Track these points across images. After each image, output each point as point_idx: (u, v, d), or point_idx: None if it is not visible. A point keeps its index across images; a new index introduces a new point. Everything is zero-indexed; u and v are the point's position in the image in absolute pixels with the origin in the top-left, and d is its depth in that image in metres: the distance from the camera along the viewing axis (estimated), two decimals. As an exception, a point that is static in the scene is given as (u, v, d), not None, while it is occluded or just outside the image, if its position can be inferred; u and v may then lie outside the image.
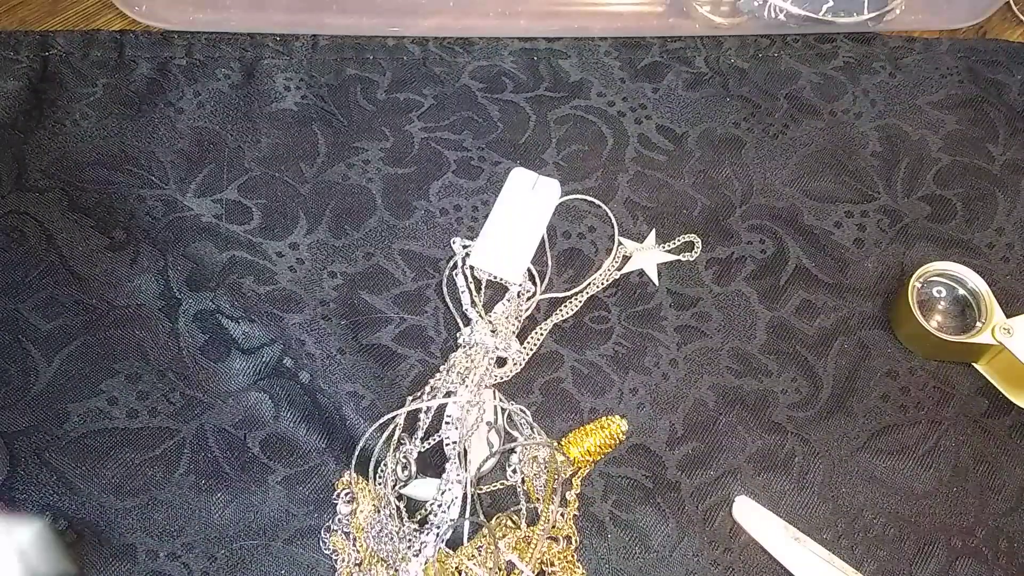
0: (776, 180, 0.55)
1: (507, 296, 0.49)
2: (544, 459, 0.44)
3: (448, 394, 0.45)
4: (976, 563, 0.43)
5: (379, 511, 0.42)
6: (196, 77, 0.56)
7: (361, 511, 0.42)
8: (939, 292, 0.50)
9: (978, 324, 0.48)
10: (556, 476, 0.43)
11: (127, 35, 0.58)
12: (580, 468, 0.44)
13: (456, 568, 0.41)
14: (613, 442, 0.45)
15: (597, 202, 0.53)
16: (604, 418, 0.45)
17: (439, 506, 0.42)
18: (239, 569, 0.42)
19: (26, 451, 0.43)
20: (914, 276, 0.49)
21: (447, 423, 0.44)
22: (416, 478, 0.43)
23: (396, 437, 0.44)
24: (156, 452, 0.44)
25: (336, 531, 0.43)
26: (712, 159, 0.55)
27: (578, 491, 0.44)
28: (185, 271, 0.49)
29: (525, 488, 0.44)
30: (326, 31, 0.59)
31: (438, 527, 0.41)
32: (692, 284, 0.51)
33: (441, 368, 0.47)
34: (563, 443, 0.45)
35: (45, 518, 0.42)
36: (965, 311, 0.49)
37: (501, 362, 0.48)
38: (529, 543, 0.41)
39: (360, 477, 0.43)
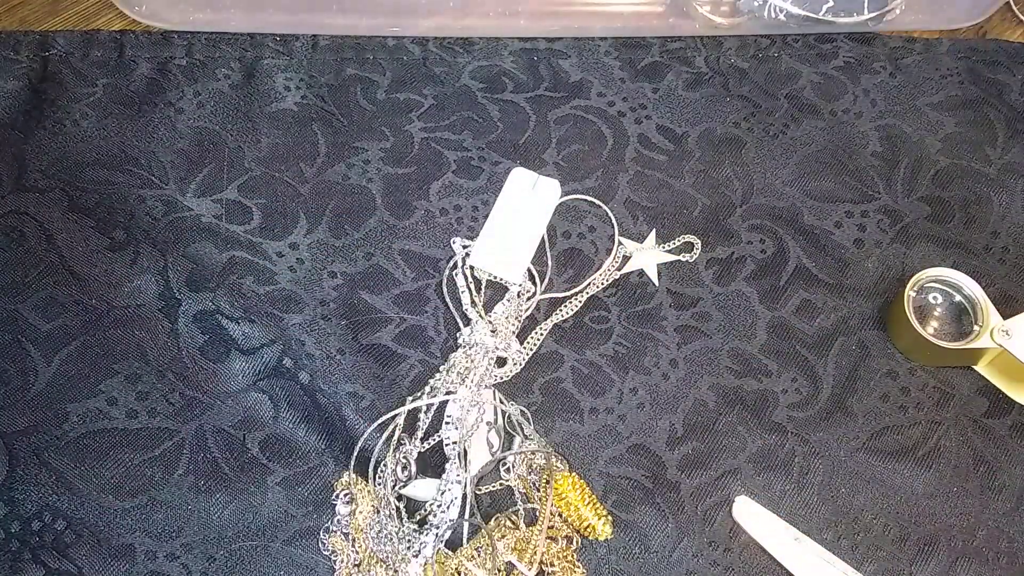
0: (776, 180, 0.55)
1: (507, 296, 0.49)
2: (541, 464, 0.44)
3: (448, 394, 0.45)
4: (977, 564, 0.43)
5: (378, 512, 0.42)
6: (196, 77, 0.56)
7: (360, 512, 0.42)
8: (935, 298, 0.49)
9: (975, 328, 0.48)
10: (552, 477, 0.43)
11: (127, 35, 0.58)
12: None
13: (456, 569, 0.41)
14: (582, 522, 0.43)
15: (597, 202, 0.53)
16: (594, 519, 0.43)
17: (439, 506, 0.42)
18: (238, 570, 0.42)
19: (25, 451, 0.43)
20: (908, 286, 0.48)
21: (447, 423, 0.44)
22: (416, 478, 0.43)
23: (396, 437, 0.44)
24: (155, 452, 0.44)
25: (335, 532, 0.42)
26: (712, 159, 0.55)
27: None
28: (185, 271, 0.49)
29: (523, 489, 0.44)
30: (326, 31, 0.59)
31: (437, 527, 0.41)
32: (692, 284, 0.51)
33: (441, 368, 0.47)
34: (559, 486, 0.43)
35: (44, 517, 0.42)
36: (961, 316, 0.49)
37: (501, 362, 0.48)
38: (528, 543, 0.41)
39: (359, 478, 0.43)
